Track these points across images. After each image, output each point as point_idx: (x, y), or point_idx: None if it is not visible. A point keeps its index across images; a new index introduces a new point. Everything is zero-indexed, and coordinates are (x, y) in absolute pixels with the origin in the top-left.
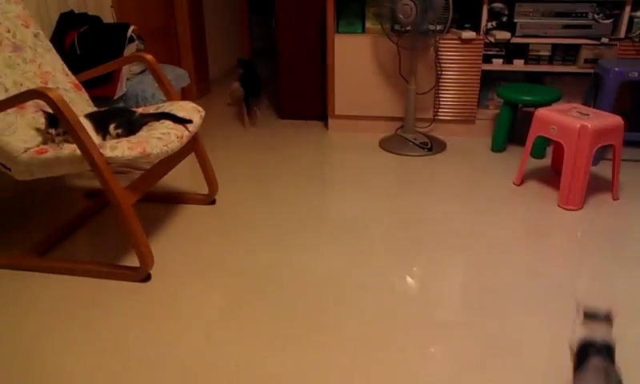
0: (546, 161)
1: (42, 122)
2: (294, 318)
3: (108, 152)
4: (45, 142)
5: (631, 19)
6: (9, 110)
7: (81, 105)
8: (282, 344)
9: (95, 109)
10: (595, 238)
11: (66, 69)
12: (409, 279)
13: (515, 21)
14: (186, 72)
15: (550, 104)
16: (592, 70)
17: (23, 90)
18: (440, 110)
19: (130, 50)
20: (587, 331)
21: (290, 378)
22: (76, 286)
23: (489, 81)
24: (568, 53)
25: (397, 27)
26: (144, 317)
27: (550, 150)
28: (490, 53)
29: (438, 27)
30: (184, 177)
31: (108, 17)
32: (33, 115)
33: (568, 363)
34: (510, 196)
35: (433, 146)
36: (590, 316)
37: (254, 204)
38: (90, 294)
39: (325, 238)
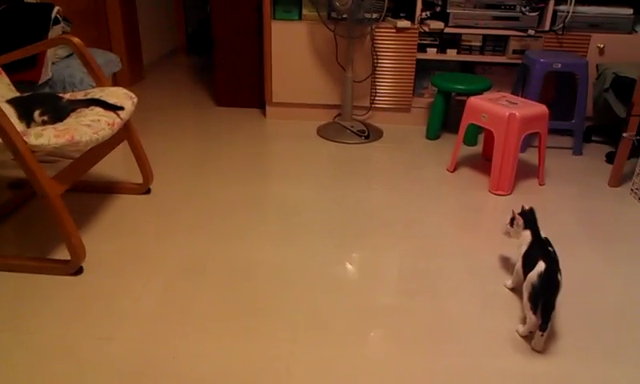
0: (478, 148)
1: None
2: (231, 306)
3: (32, 140)
4: None
5: (555, 13)
6: None
7: (1, 90)
8: (219, 333)
9: (18, 94)
10: None
11: None
12: (347, 265)
13: (448, 11)
14: (117, 57)
15: (481, 93)
16: (520, 61)
17: None
18: (376, 98)
19: (55, 32)
20: (528, 236)
21: (229, 366)
22: (3, 281)
23: (424, 70)
24: (498, 44)
25: (333, 15)
26: (77, 312)
27: (481, 137)
28: (424, 42)
29: (374, 16)
30: (117, 166)
31: None
32: None
33: (503, 343)
34: (444, 182)
35: (370, 134)
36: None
37: (190, 193)
38: (18, 290)
39: (262, 226)
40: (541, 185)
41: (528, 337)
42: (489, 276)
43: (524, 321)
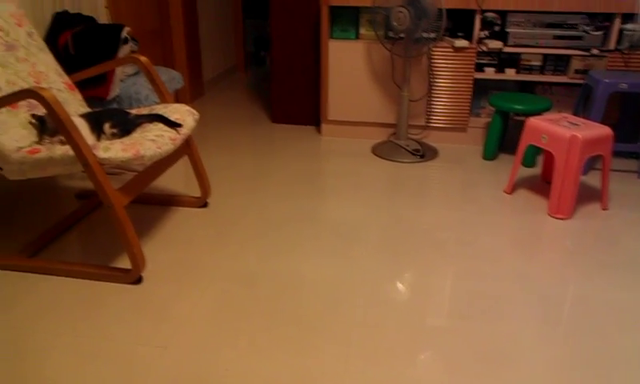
0: (537, 170)
1: (33, 122)
2: (282, 320)
3: (101, 153)
4: (38, 142)
5: (621, 31)
6: (2, 109)
7: (74, 105)
8: (272, 348)
9: (88, 109)
10: (584, 247)
11: (60, 69)
12: (400, 285)
13: (507, 30)
14: (179, 74)
15: (540, 113)
16: (582, 81)
17: (16, 89)
18: (432, 117)
19: (124, 51)
20: None
21: (281, 382)
22: (66, 287)
23: (481, 89)
24: (559, 63)
25: (390, 34)
26: (134, 319)
27: (540, 158)
28: (482, 61)
29: (432, 35)
30: (177, 179)
31: (102, 17)
32: (25, 115)
33: (559, 373)
34: (501, 204)
35: (425, 153)
36: None
37: (246, 208)
38: (81, 295)
39: (316, 243)
40: (604, 209)
41: None
42: (547, 302)
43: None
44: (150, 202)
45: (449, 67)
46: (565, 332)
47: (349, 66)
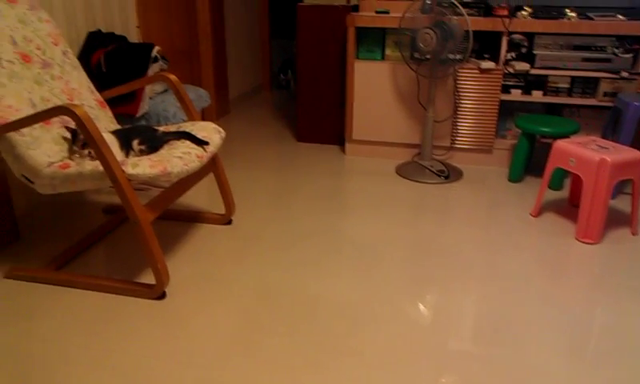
0: (564, 193)
1: (67, 136)
2: (306, 342)
3: (130, 169)
4: (68, 158)
5: None
6: (35, 125)
7: (104, 122)
8: (292, 366)
9: (118, 126)
10: (613, 272)
11: (92, 86)
12: (422, 308)
13: (535, 52)
14: (206, 92)
15: (568, 136)
16: (611, 104)
17: (50, 105)
18: (457, 138)
19: (153, 69)
20: None
21: None
22: (91, 300)
23: (507, 110)
24: (587, 85)
25: (416, 55)
26: (157, 335)
27: (567, 181)
28: (508, 83)
29: (458, 56)
30: (202, 196)
31: (134, 37)
32: (58, 131)
33: None
34: (527, 227)
35: (449, 174)
36: None
37: (270, 226)
38: (105, 309)
39: (340, 264)
40: (634, 234)
41: None
42: (574, 329)
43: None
44: (175, 218)
45: (475, 88)
46: (593, 361)
47: (374, 86)
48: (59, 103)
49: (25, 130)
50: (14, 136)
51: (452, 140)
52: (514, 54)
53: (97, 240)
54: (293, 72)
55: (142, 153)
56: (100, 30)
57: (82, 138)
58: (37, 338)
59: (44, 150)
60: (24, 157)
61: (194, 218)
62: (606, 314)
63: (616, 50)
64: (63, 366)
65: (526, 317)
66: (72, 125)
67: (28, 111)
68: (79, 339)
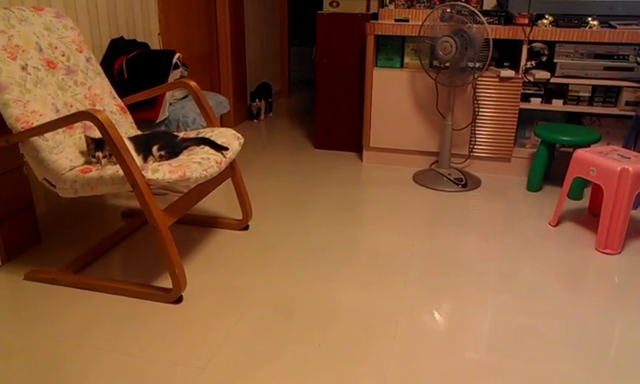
0: (583, 202)
1: (87, 143)
2: (322, 349)
3: (149, 174)
4: (89, 162)
5: None
6: (58, 130)
7: (125, 127)
8: (308, 375)
9: (138, 131)
10: (634, 283)
11: (114, 92)
12: (439, 317)
13: (555, 61)
14: (226, 99)
15: (588, 145)
16: (633, 113)
17: (73, 111)
18: (476, 146)
19: (174, 76)
20: None
21: None
22: (109, 304)
23: (526, 119)
24: (609, 94)
25: (436, 63)
26: (173, 339)
27: (587, 191)
28: (528, 92)
29: (477, 65)
30: (219, 201)
31: (155, 44)
32: (80, 136)
33: None
34: (545, 236)
35: (467, 183)
36: None
37: (287, 232)
38: (122, 312)
39: (355, 270)
40: None
41: None
42: (593, 342)
43: None
44: (192, 223)
45: (494, 97)
46: (613, 374)
47: (392, 93)
48: (82, 109)
49: (48, 135)
50: (37, 140)
51: (470, 148)
52: (533, 63)
53: (115, 243)
54: (267, 98)
55: (161, 158)
56: (123, 37)
57: (104, 152)
58: (54, 339)
59: (66, 154)
60: (47, 161)
61: (211, 223)
62: (626, 326)
63: (639, 59)
64: (79, 368)
65: (544, 328)
66: (94, 130)
67: (51, 116)
68: (95, 342)
